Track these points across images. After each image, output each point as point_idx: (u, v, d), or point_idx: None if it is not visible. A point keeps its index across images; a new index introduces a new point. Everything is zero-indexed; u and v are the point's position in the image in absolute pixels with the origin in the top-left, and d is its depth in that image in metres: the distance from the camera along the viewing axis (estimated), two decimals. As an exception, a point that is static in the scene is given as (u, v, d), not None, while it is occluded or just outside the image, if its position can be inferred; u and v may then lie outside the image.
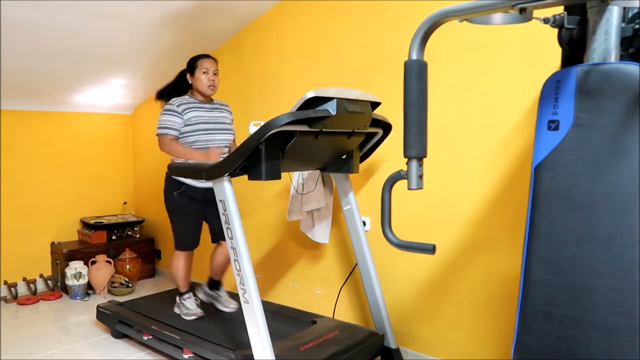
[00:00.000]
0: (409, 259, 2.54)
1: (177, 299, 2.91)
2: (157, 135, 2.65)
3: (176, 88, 2.82)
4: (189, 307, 2.83)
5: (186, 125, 2.64)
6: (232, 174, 2.01)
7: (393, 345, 2.44)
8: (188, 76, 2.74)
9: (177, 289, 2.91)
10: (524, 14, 1.21)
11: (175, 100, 2.66)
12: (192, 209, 2.74)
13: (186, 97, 2.72)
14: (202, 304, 2.94)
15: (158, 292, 3.52)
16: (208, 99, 2.78)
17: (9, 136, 3.84)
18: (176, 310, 2.90)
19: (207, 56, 2.73)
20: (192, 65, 2.72)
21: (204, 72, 2.68)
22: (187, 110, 2.65)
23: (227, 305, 2.92)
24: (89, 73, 3.56)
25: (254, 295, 1.99)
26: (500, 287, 2.21)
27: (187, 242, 2.82)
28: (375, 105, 2.23)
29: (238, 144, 1.98)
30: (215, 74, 2.71)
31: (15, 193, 3.89)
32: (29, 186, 3.98)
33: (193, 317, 2.79)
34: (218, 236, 2.87)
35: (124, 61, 3.48)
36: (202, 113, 2.69)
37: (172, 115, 2.63)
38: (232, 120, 2.88)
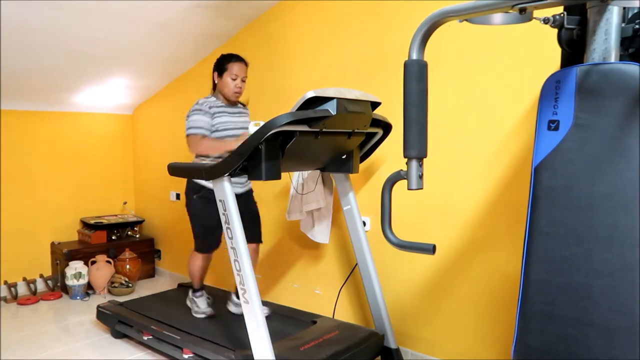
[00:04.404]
0: (409, 259, 2.54)
1: (190, 294, 2.96)
2: (188, 135, 2.53)
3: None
4: (199, 306, 2.88)
5: (215, 131, 2.57)
6: (232, 174, 2.01)
7: (393, 345, 2.44)
8: (215, 75, 2.64)
9: (191, 285, 2.96)
10: (524, 14, 1.21)
11: (205, 102, 2.58)
12: (211, 213, 2.55)
13: (212, 98, 2.63)
14: (213, 303, 2.94)
15: (158, 292, 3.52)
16: (232, 102, 2.70)
17: (9, 136, 3.84)
18: (188, 303, 2.97)
19: (239, 60, 2.61)
20: (222, 66, 2.60)
21: (233, 78, 2.58)
22: (217, 114, 2.57)
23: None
24: (89, 73, 3.56)
25: (254, 295, 1.99)
26: (500, 287, 2.21)
27: (205, 245, 2.79)
28: (375, 105, 2.23)
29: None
30: (243, 80, 2.62)
31: (15, 193, 3.89)
32: (29, 186, 3.97)
33: (203, 316, 2.83)
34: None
35: (124, 61, 3.48)
36: (229, 118, 2.62)
37: (203, 115, 2.54)
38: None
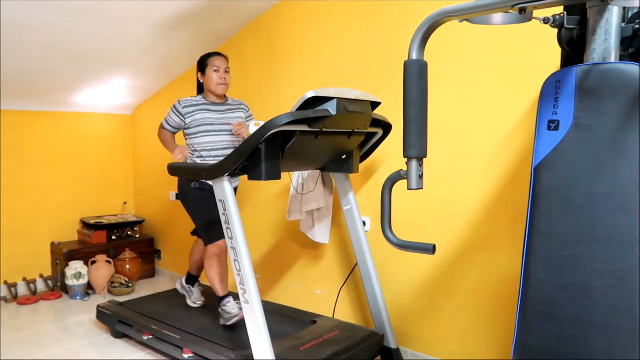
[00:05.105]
0: (409, 259, 2.54)
1: (219, 303, 2.66)
2: (161, 124, 2.78)
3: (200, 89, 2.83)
4: (229, 311, 2.59)
5: (187, 128, 2.69)
6: (232, 174, 2.01)
7: (393, 345, 2.44)
8: (199, 75, 2.74)
9: (215, 293, 2.67)
10: (524, 14, 1.21)
11: (185, 101, 2.68)
12: (211, 198, 2.35)
13: (199, 97, 2.73)
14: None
15: (158, 292, 3.52)
16: (221, 98, 2.76)
17: (9, 136, 3.84)
18: (221, 322, 2.64)
19: (218, 54, 2.73)
20: (203, 64, 2.71)
21: (215, 71, 2.66)
22: (192, 113, 2.66)
23: (196, 302, 3.07)
24: (89, 73, 3.56)
25: (254, 295, 1.99)
26: (500, 287, 2.21)
27: (217, 231, 2.50)
28: (375, 105, 2.23)
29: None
30: (226, 71, 2.70)
31: (15, 193, 3.89)
32: (29, 186, 3.97)
33: (235, 320, 2.56)
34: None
35: (124, 61, 3.48)
36: (209, 115, 2.67)
37: (175, 114, 2.69)
38: (250, 117, 2.85)
